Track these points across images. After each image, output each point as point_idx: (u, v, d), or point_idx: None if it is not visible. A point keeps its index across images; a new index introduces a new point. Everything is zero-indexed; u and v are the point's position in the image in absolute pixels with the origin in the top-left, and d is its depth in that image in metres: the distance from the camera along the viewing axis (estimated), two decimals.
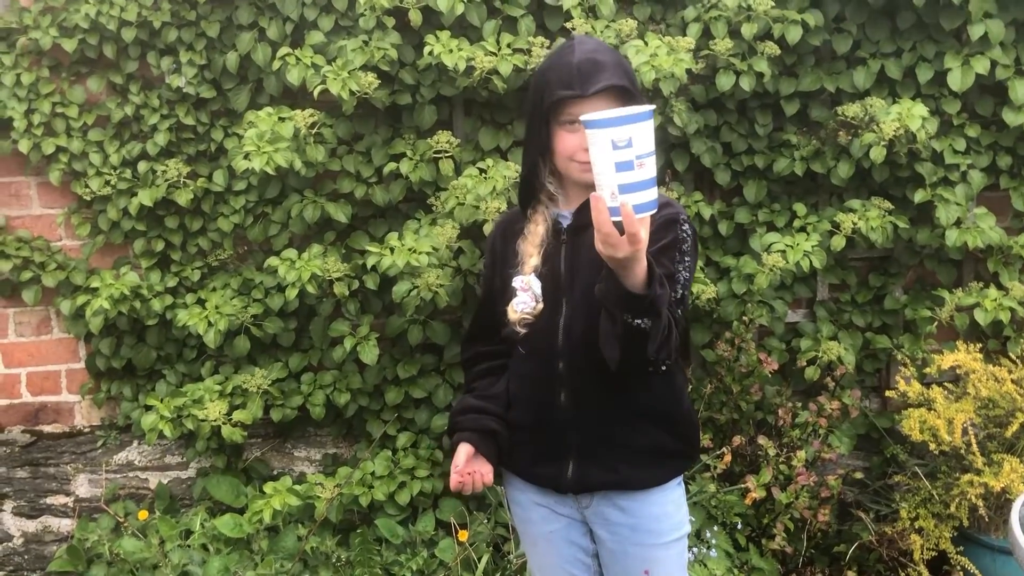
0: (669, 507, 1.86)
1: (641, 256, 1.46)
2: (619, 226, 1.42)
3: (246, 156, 2.86)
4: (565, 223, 1.83)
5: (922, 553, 2.76)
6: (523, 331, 1.82)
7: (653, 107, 1.47)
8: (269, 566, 2.71)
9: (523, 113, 1.81)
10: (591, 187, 1.51)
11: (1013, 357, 3.09)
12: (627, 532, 1.84)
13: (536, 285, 1.82)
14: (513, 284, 1.84)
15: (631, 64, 1.78)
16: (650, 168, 1.43)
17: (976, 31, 2.96)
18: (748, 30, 2.94)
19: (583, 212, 1.77)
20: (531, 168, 1.81)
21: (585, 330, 1.71)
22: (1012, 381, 2.85)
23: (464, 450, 1.88)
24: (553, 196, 1.84)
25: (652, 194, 1.45)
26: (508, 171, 2.85)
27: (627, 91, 1.69)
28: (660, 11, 3.12)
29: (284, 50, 2.97)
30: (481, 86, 2.95)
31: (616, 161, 1.41)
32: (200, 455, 3.23)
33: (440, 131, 3.01)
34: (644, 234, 1.43)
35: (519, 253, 1.86)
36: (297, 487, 2.97)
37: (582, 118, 1.47)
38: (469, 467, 1.88)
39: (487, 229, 2.77)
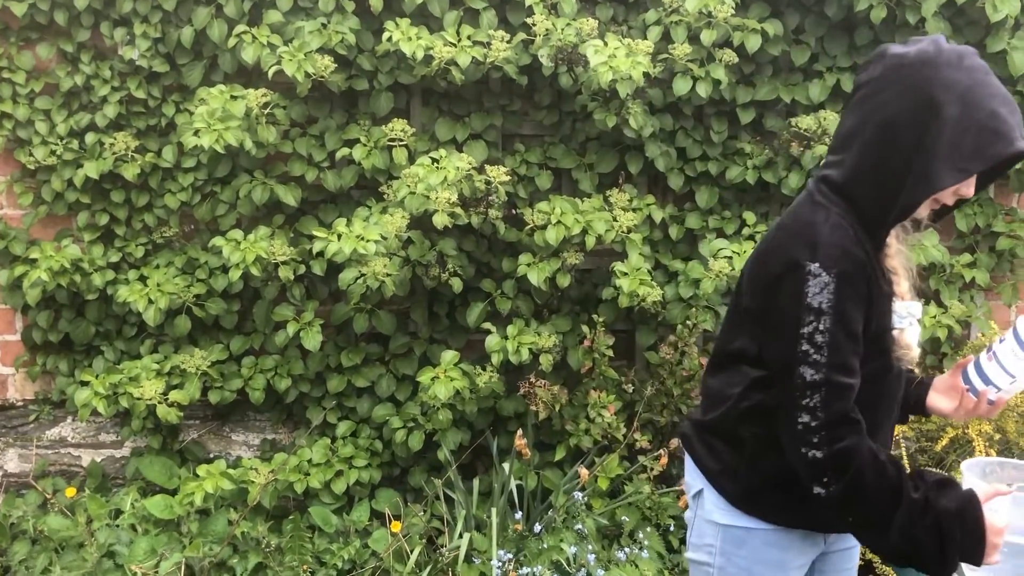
0: None
1: None
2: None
3: (196, 133, 2.83)
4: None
5: None
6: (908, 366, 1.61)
7: None
8: (197, 549, 2.67)
9: (921, 116, 1.44)
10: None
11: None
12: (849, 536, 1.77)
13: (918, 311, 1.60)
14: (897, 310, 1.57)
15: None
16: None
17: None
18: (708, 36, 2.96)
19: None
20: (911, 190, 1.47)
21: None
22: None
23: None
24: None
25: None
26: (461, 162, 2.84)
27: None
28: (623, 12, 3.12)
29: (240, 28, 2.92)
30: (440, 76, 2.94)
31: None
32: (135, 434, 3.18)
33: (396, 119, 2.99)
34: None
35: (883, 271, 1.56)
36: (231, 471, 2.94)
37: None
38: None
39: (437, 220, 2.75)
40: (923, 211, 1.56)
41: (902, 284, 1.56)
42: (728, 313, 1.74)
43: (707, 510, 1.73)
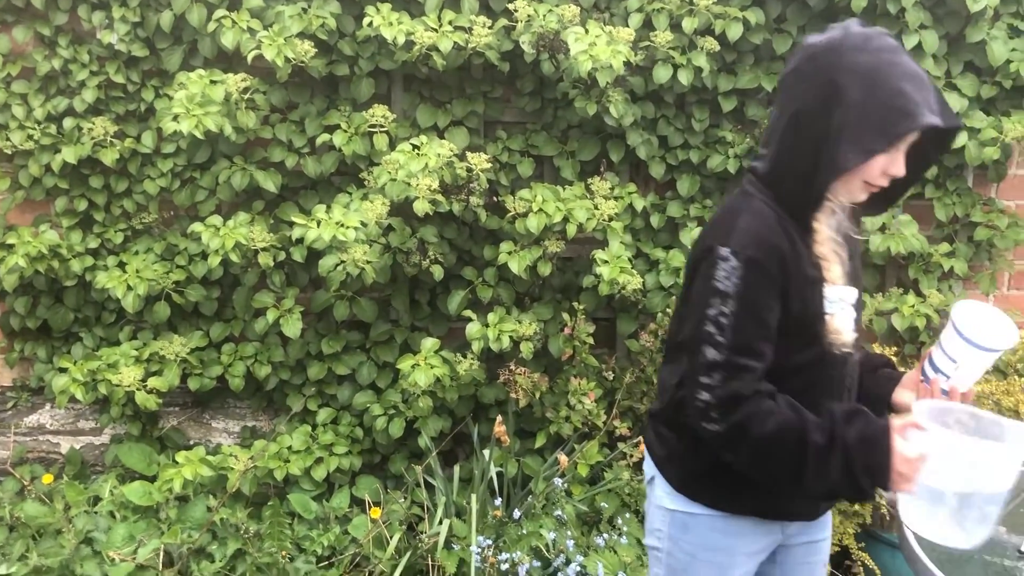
0: None
1: None
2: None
3: (175, 118, 2.80)
4: (839, 237, 1.63)
5: None
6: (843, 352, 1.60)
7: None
8: (175, 535, 2.66)
9: (825, 102, 1.47)
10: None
11: None
12: (819, 529, 1.81)
13: (851, 296, 1.60)
14: (827, 295, 1.57)
15: None
16: None
17: (910, 41, 3.02)
18: (689, 24, 2.96)
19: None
20: (814, 175, 1.51)
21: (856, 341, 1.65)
22: None
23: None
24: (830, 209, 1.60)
25: None
26: (442, 149, 2.83)
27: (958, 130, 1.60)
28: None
29: (220, 12, 2.90)
30: (421, 62, 2.93)
31: (985, 371, 1.55)
32: (115, 421, 3.16)
33: (376, 105, 2.98)
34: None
35: (809, 257, 1.56)
36: (210, 458, 2.93)
37: (984, 343, 1.50)
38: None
39: (418, 207, 2.74)
40: (858, 195, 1.58)
41: (833, 270, 1.56)
42: (676, 305, 1.77)
43: (657, 496, 1.77)
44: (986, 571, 1.74)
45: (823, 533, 1.84)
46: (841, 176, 1.51)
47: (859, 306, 1.64)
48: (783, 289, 1.52)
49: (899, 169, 1.52)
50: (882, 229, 3.12)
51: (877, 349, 3.05)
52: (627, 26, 2.95)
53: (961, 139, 3.06)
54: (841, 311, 1.57)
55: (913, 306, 3.13)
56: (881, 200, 1.64)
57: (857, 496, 1.46)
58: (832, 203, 1.58)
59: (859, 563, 2.79)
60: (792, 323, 1.54)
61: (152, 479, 2.99)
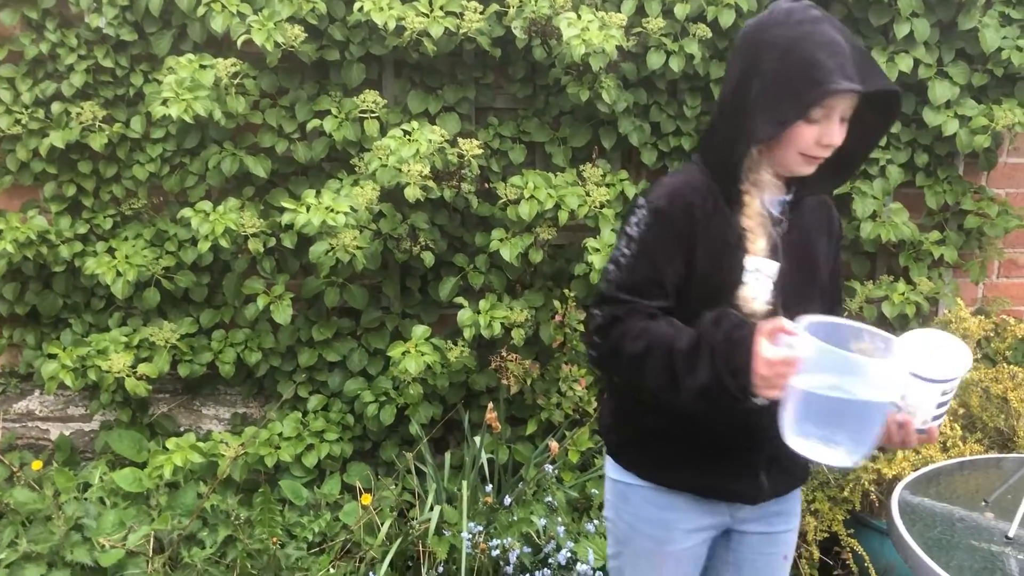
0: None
1: None
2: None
3: (164, 102, 2.79)
4: (774, 211, 1.62)
5: (815, 534, 2.83)
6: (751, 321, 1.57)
7: (969, 353, 1.48)
8: (166, 521, 2.66)
9: (753, 84, 1.49)
10: (795, 177, 1.57)
11: None
12: (777, 519, 1.78)
13: (770, 269, 1.58)
14: (746, 265, 1.56)
15: None
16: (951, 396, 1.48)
17: (901, 29, 3.01)
18: (681, 10, 2.95)
19: (795, 209, 1.63)
20: (732, 146, 1.53)
21: None
22: None
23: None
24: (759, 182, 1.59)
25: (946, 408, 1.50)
26: (433, 135, 2.82)
27: (896, 96, 1.53)
28: None
29: None
30: (412, 47, 2.91)
31: (938, 403, 1.45)
32: (104, 408, 3.15)
33: (367, 91, 2.96)
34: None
35: (734, 227, 1.57)
36: (201, 444, 2.92)
37: (918, 372, 1.41)
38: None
39: (409, 193, 2.74)
40: (798, 167, 1.55)
41: (757, 243, 1.56)
42: None
43: (606, 466, 1.82)
44: (974, 556, 1.75)
45: (784, 525, 1.81)
46: (758, 146, 1.53)
47: (784, 283, 1.58)
48: (690, 245, 1.55)
49: (833, 138, 1.50)
50: (873, 217, 3.12)
51: None
52: (619, 12, 2.93)
53: (952, 126, 3.07)
54: (756, 281, 1.57)
55: (903, 294, 3.14)
56: (834, 174, 1.62)
57: (730, 400, 1.43)
58: (765, 176, 1.58)
59: (848, 549, 2.80)
60: (699, 282, 1.57)
61: (142, 466, 2.99)
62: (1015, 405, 2.88)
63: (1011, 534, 1.80)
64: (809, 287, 1.65)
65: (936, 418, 1.46)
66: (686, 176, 1.62)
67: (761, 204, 1.59)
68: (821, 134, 1.50)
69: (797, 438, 1.39)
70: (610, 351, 1.56)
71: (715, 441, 1.65)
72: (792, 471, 1.75)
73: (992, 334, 3.09)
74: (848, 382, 1.33)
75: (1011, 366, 2.97)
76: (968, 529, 1.86)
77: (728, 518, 1.76)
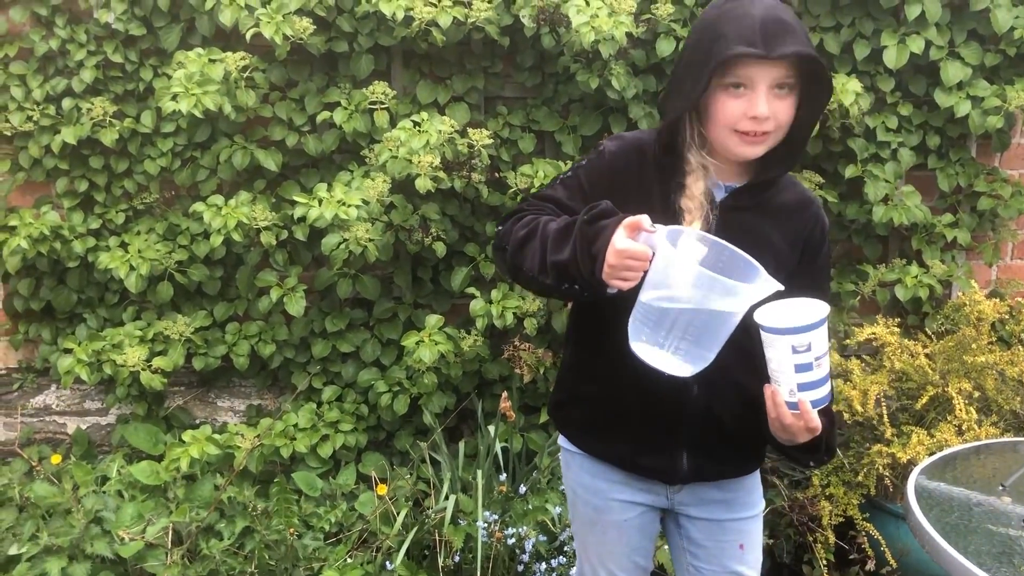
0: (757, 479, 1.83)
1: (818, 434, 1.50)
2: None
3: (174, 97, 2.79)
4: (718, 195, 1.60)
5: (830, 519, 2.83)
6: None
7: (828, 308, 1.43)
8: (184, 514, 2.68)
9: (677, 63, 1.55)
10: (749, 163, 1.56)
11: (929, 332, 3.17)
12: (724, 508, 1.78)
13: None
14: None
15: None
16: (826, 366, 1.44)
17: (913, 10, 2.99)
18: None
19: (742, 193, 1.60)
20: (674, 124, 1.55)
21: None
22: (925, 355, 2.93)
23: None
24: (703, 164, 1.58)
25: (827, 388, 1.46)
26: (443, 125, 2.82)
27: (811, 60, 1.47)
28: None
29: None
30: (420, 38, 2.91)
31: (796, 363, 1.41)
32: (120, 401, 3.17)
33: (376, 82, 2.96)
34: (820, 422, 1.47)
35: (671, 203, 1.57)
36: (217, 436, 2.94)
37: (760, 322, 1.39)
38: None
39: (420, 184, 2.74)
40: (737, 146, 1.52)
41: (694, 224, 1.54)
42: None
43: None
44: (991, 540, 1.75)
45: (731, 514, 1.78)
46: (668, 123, 1.54)
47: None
48: (623, 193, 1.56)
49: (757, 108, 1.47)
50: (885, 200, 3.11)
51: (881, 320, 3.05)
52: None
53: (964, 108, 3.04)
54: None
55: (916, 277, 3.13)
56: (783, 155, 1.57)
57: (584, 285, 1.45)
58: (711, 161, 1.57)
59: (863, 533, 2.80)
60: None
61: (159, 459, 3.01)
62: None
63: None
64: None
65: (804, 388, 1.42)
66: (645, 134, 1.65)
67: (705, 187, 1.57)
68: (748, 107, 1.48)
69: (636, 343, 1.41)
70: (504, 235, 1.60)
71: (637, 414, 1.67)
72: (724, 459, 1.73)
73: (1007, 316, 3.07)
74: (687, 291, 1.33)
75: None
76: (985, 514, 1.86)
77: (665, 499, 1.78)
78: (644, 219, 1.38)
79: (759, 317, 1.40)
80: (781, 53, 1.42)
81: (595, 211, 1.46)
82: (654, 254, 1.37)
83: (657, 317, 1.39)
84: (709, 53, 1.45)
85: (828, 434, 1.56)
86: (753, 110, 1.48)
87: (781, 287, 1.38)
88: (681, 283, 1.34)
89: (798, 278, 1.59)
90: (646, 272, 1.38)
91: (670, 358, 1.40)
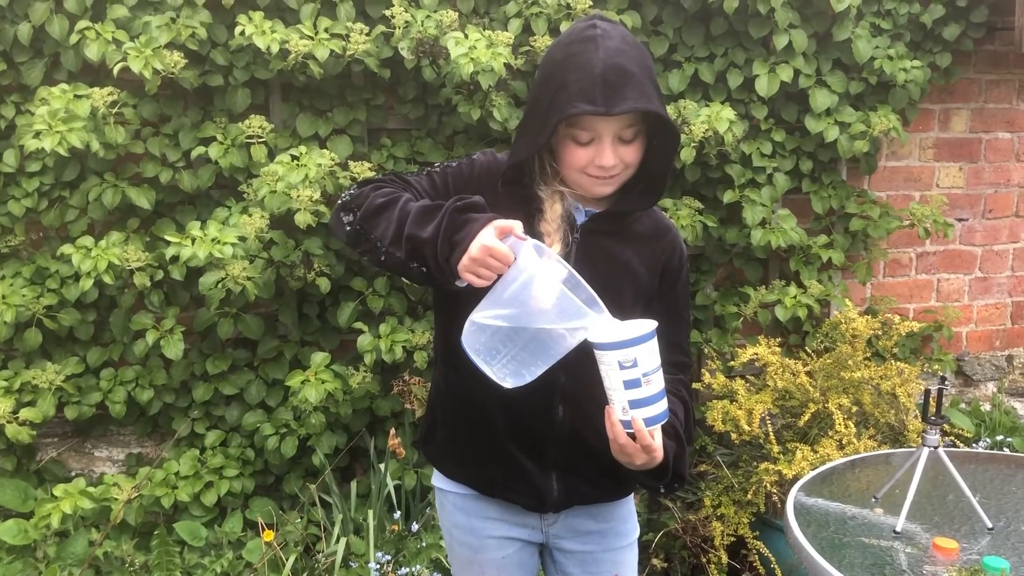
0: (631, 507, 1.81)
1: (657, 456, 1.46)
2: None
3: (36, 135, 2.67)
4: (579, 219, 1.59)
5: (722, 539, 2.87)
6: None
7: (655, 325, 1.40)
8: (54, 574, 2.52)
9: (529, 98, 1.54)
10: (607, 197, 1.55)
11: (809, 351, 3.27)
12: (598, 539, 1.76)
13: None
14: None
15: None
16: (657, 383, 1.41)
17: (780, 40, 3.11)
18: (566, 28, 2.97)
19: (601, 218, 1.60)
20: (524, 163, 1.54)
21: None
22: (806, 373, 3.01)
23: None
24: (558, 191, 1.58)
25: (662, 406, 1.43)
26: (323, 159, 2.77)
27: (649, 113, 1.46)
28: (484, 4, 3.10)
29: (83, 23, 2.77)
30: (298, 71, 2.86)
31: (624, 379, 1.40)
32: None
33: (253, 115, 2.89)
34: (658, 442, 1.44)
35: (533, 226, 1.54)
36: (91, 489, 2.79)
37: (590, 339, 1.37)
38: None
39: (299, 219, 2.68)
40: (591, 186, 1.53)
41: (554, 247, 1.53)
42: None
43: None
44: (864, 553, 1.79)
45: (604, 545, 1.78)
46: (514, 165, 1.52)
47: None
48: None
49: (603, 159, 1.49)
50: (763, 224, 3.20)
51: (763, 341, 3.13)
52: (506, 31, 2.94)
53: (832, 133, 3.17)
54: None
55: (795, 297, 3.23)
56: (647, 191, 1.59)
57: (435, 267, 1.42)
58: (561, 189, 1.57)
59: (754, 551, 2.85)
60: None
61: (28, 516, 2.83)
62: (903, 400, 2.98)
63: (899, 528, 1.85)
64: (607, 302, 1.48)
65: (635, 405, 1.41)
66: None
67: (564, 209, 1.57)
68: (595, 155, 1.49)
69: (469, 350, 1.41)
70: (358, 198, 1.53)
71: (503, 434, 1.65)
72: (594, 482, 1.71)
73: (880, 332, 3.19)
74: (544, 305, 1.35)
75: (898, 362, 3.08)
76: (859, 526, 1.91)
77: (540, 532, 1.77)
78: (517, 225, 1.38)
79: (590, 335, 1.40)
80: (620, 110, 1.41)
81: (468, 202, 1.43)
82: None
83: (505, 331, 1.38)
84: (551, 104, 1.43)
85: (677, 458, 1.55)
86: (599, 160, 1.49)
87: (621, 324, 1.39)
88: (541, 297, 1.34)
89: (657, 303, 1.63)
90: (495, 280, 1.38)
91: (493, 369, 1.41)
